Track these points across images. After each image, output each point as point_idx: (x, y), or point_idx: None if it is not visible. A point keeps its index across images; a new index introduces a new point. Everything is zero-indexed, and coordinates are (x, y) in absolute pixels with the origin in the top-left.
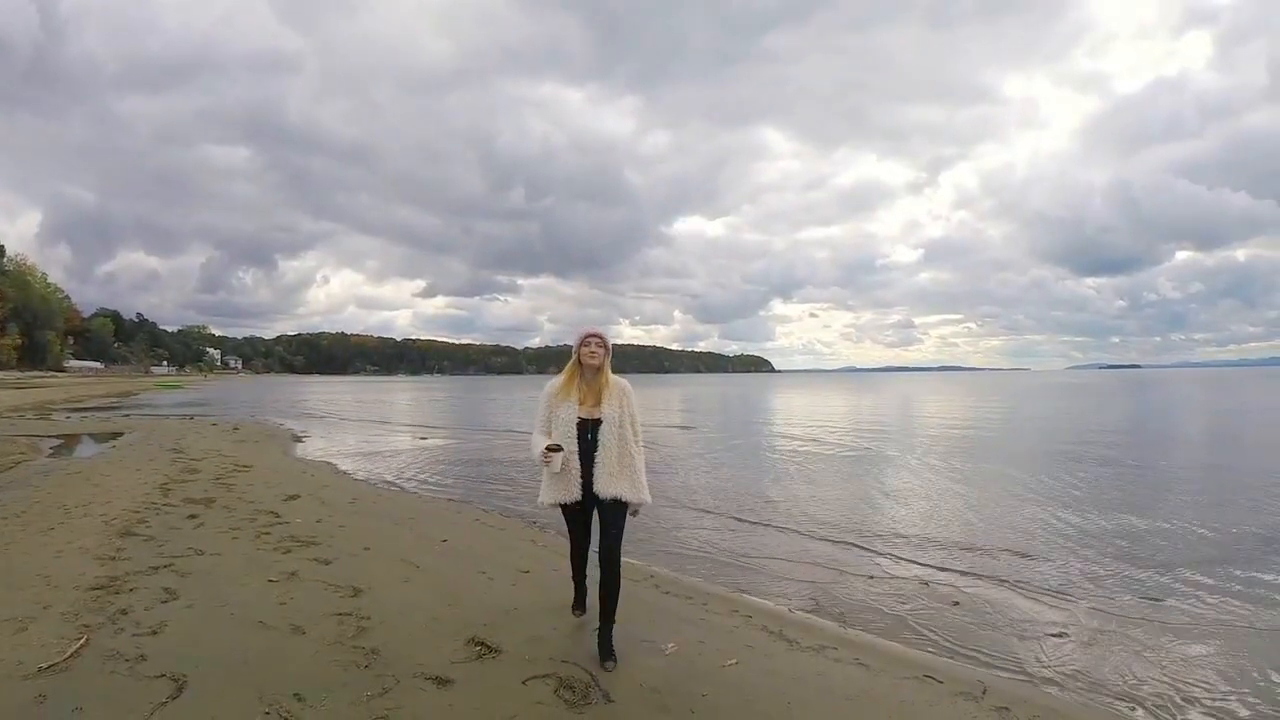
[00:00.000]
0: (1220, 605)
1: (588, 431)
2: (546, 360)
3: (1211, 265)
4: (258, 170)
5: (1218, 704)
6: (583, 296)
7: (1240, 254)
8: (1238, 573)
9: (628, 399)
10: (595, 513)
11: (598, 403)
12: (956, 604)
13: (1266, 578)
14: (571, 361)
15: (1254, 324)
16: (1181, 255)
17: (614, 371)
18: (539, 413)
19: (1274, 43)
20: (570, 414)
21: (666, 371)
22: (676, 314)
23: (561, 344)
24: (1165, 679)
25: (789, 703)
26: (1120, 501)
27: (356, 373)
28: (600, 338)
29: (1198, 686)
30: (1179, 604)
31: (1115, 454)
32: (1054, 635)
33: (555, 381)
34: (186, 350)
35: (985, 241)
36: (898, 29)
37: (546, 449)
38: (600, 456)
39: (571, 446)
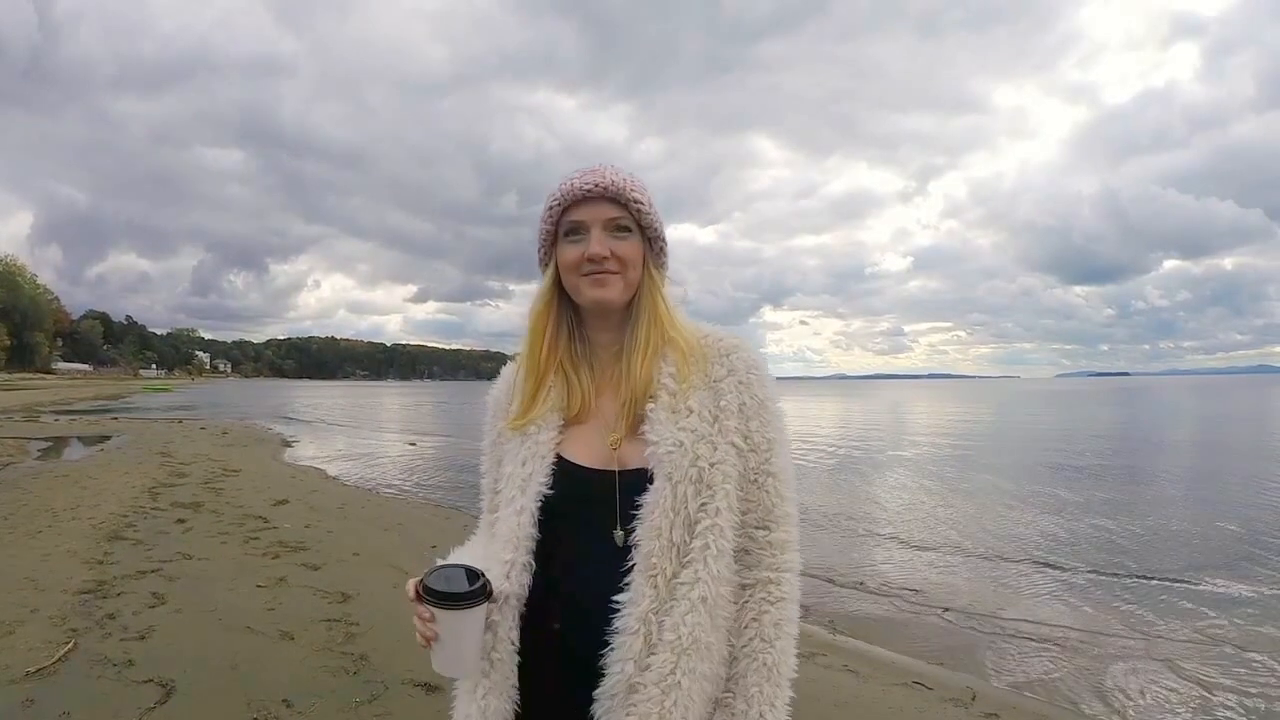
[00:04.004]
0: (1208, 614)
1: (592, 525)
2: None
3: (1199, 274)
4: (251, 173)
5: (1206, 714)
6: None
7: (1228, 263)
8: (1224, 581)
9: (752, 403)
10: None
11: (629, 423)
12: (946, 610)
13: (1251, 588)
14: (544, 289)
15: (1241, 332)
16: (1169, 264)
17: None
18: (484, 458)
19: (1261, 54)
20: (535, 463)
21: None
22: None
23: None
24: (1153, 689)
25: None
26: (1110, 509)
27: (346, 377)
28: (618, 195)
29: (1184, 696)
30: (1168, 613)
31: (1105, 461)
32: (1043, 642)
33: (508, 374)
34: (176, 353)
35: (974, 250)
36: (889, 39)
37: (419, 590)
38: (626, 638)
39: (516, 587)
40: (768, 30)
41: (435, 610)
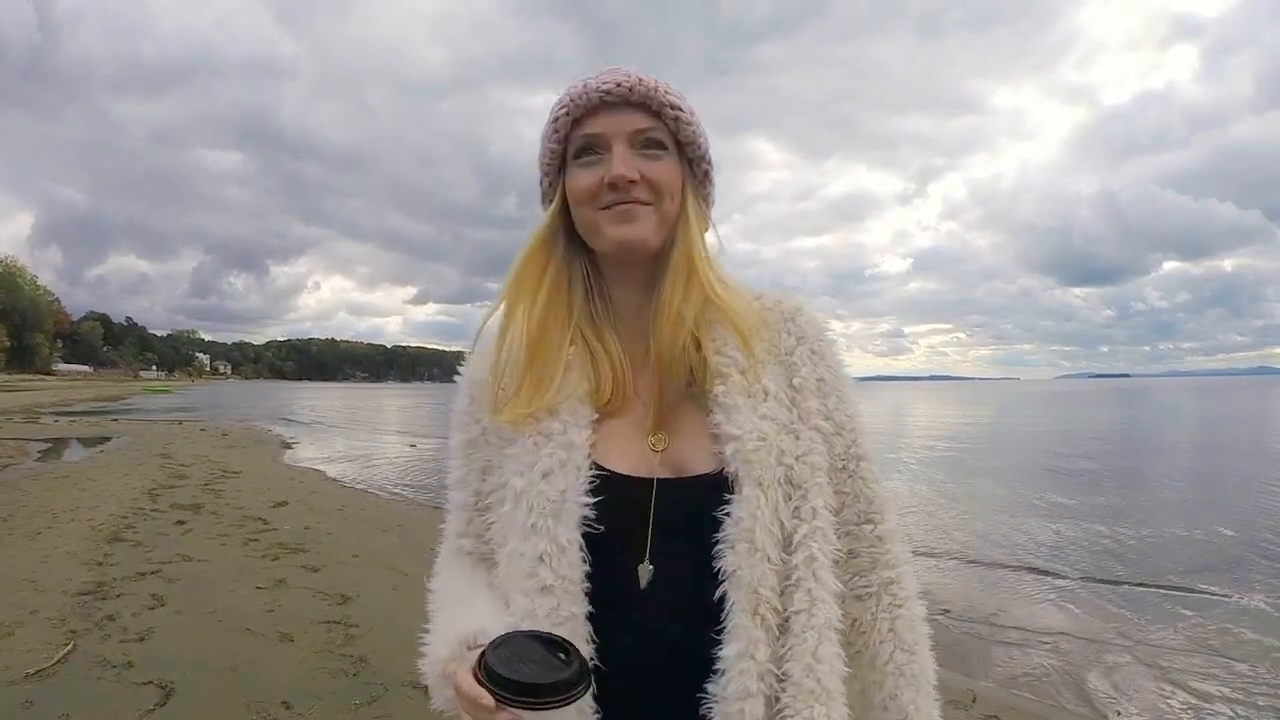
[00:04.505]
0: (1205, 621)
1: (661, 558)
2: None
3: (1199, 275)
4: (250, 174)
5: (1203, 716)
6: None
7: (1227, 264)
8: (1222, 587)
9: (830, 377)
10: None
11: (660, 413)
12: (946, 612)
13: (1248, 594)
14: (545, 230)
15: (1241, 333)
16: (1169, 265)
17: None
18: (455, 463)
19: (1261, 55)
20: (566, 475)
21: None
22: None
23: None
24: (1152, 691)
25: None
26: (1108, 513)
27: (346, 379)
28: (648, 98)
29: (1184, 698)
30: (1165, 619)
31: (1104, 465)
32: (1043, 645)
33: (489, 347)
34: (176, 354)
35: (973, 251)
36: (888, 39)
37: (483, 677)
38: (742, 705)
39: (573, 636)
40: (766, 32)
41: (520, 712)
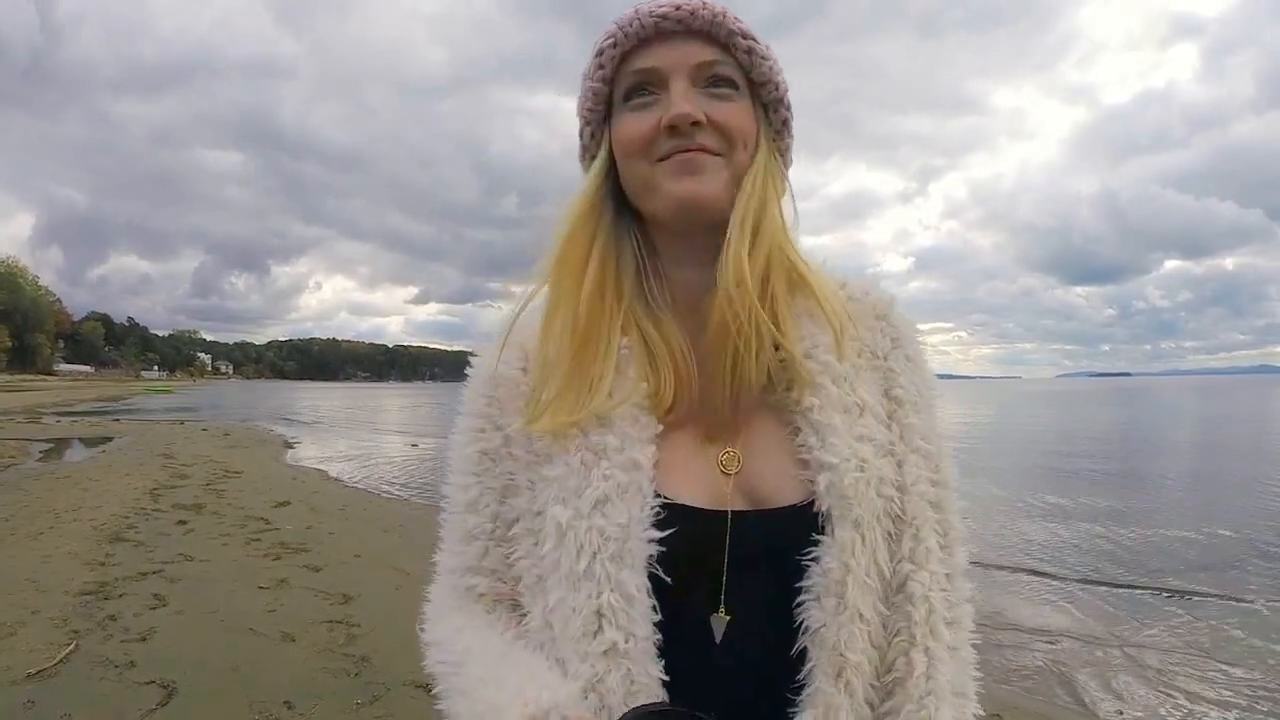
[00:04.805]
0: (1206, 619)
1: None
2: None
3: (1200, 274)
4: (251, 174)
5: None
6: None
7: (1229, 263)
8: (1223, 585)
9: (926, 390)
10: None
11: (732, 424)
12: None
13: (1247, 593)
14: (588, 191)
15: (1243, 332)
16: (1170, 264)
17: None
18: (458, 479)
19: (1261, 54)
20: (626, 504)
21: None
22: None
23: None
24: (1150, 692)
25: None
26: (1107, 514)
27: (348, 379)
28: (713, 25)
29: (1181, 700)
30: (1166, 617)
31: (1103, 465)
32: (1045, 644)
33: (516, 336)
34: (177, 354)
35: (975, 250)
36: (888, 39)
37: None
38: None
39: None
40: (767, 32)
41: None
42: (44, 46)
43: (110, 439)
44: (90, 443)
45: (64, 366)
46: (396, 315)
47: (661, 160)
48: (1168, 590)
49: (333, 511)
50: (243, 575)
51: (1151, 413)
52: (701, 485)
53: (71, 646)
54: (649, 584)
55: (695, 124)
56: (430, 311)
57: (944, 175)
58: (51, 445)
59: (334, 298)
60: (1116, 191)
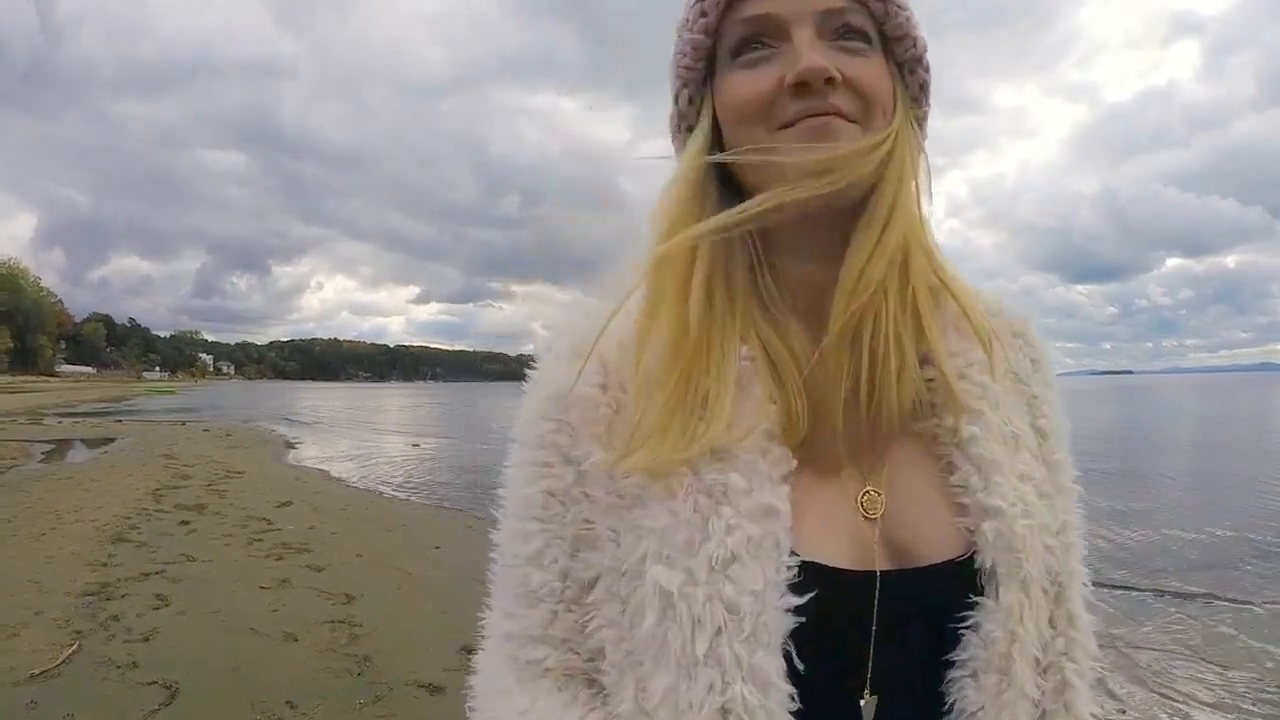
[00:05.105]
0: (1204, 620)
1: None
2: None
3: (1201, 272)
4: (251, 175)
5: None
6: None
7: (1230, 261)
8: (1221, 587)
9: (1064, 420)
10: None
11: (870, 458)
12: None
13: (1246, 594)
14: (689, 168)
15: (1245, 330)
16: (1171, 262)
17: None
18: (513, 526)
19: (1261, 53)
20: (758, 565)
21: None
22: None
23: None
24: (1150, 694)
25: None
26: (1108, 513)
27: (349, 379)
28: None
29: (1178, 703)
30: (1164, 618)
31: (1104, 464)
32: None
33: (620, 349)
34: (179, 355)
35: (976, 249)
36: None
37: None
38: None
39: None
40: None
41: None
42: (44, 47)
43: (112, 440)
44: (92, 444)
45: (65, 367)
46: (398, 315)
47: (784, 128)
48: (1165, 591)
49: (334, 511)
50: (245, 575)
51: (1152, 411)
52: (843, 536)
53: (74, 647)
54: (784, 665)
55: (829, 81)
56: (431, 311)
57: (945, 174)
58: (53, 446)
59: (335, 298)
60: (1117, 190)
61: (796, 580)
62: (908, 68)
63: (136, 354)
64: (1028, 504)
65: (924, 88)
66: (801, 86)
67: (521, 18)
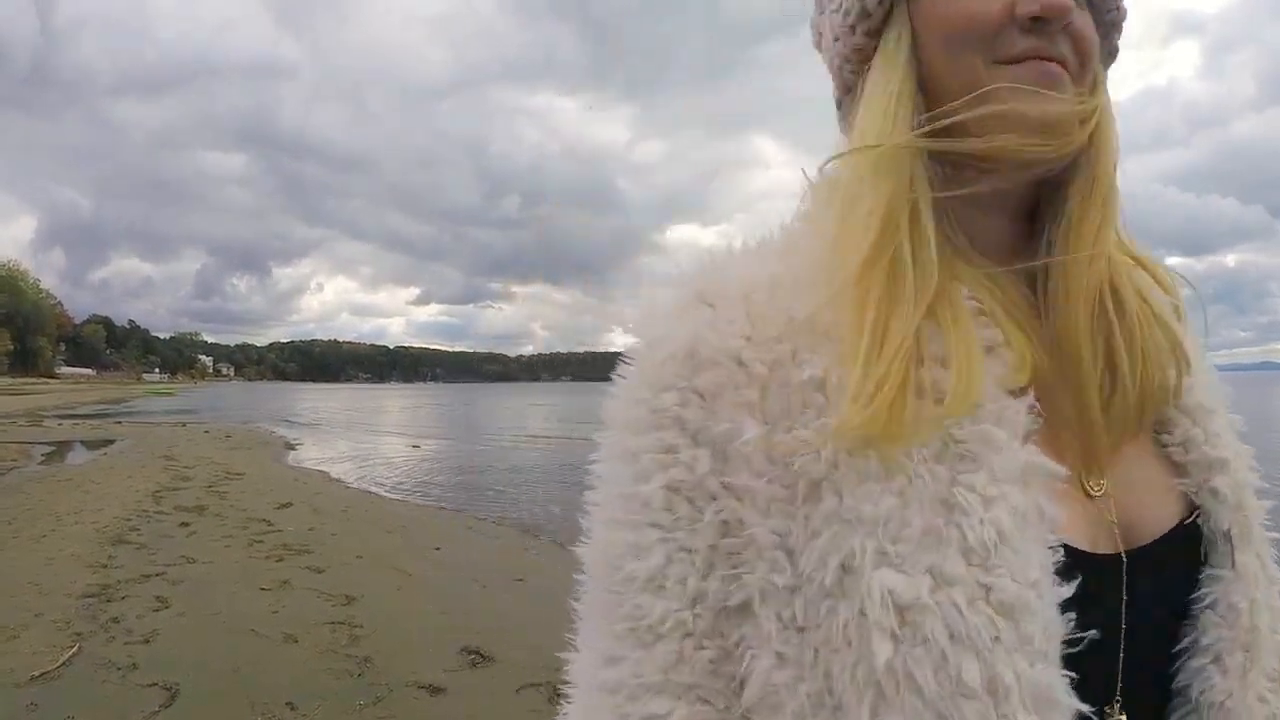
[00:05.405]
0: None
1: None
2: (539, 368)
3: (1201, 271)
4: (252, 176)
5: None
6: (577, 304)
7: (1230, 260)
8: None
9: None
10: None
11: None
12: None
13: None
14: (885, 96)
15: (1245, 329)
16: (1171, 261)
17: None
18: (628, 555)
19: (1261, 53)
20: (1028, 548)
21: None
22: None
23: (556, 351)
24: None
25: None
26: None
27: (349, 380)
28: None
29: None
30: None
31: None
32: None
33: (729, 328)
34: (179, 357)
35: None
36: None
37: None
38: None
39: None
40: (769, 31)
41: None
42: (45, 49)
43: (112, 441)
44: (92, 445)
45: (65, 369)
46: (398, 316)
47: (1007, 64)
48: None
49: (334, 513)
50: (245, 577)
51: None
52: (1079, 511)
53: (74, 649)
54: (1065, 678)
55: (1066, 25)
56: (431, 312)
57: None
58: (53, 448)
59: (336, 299)
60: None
61: (1061, 566)
62: (1108, 31)
63: (136, 356)
64: (1238, 451)
65: (1113, 55)
66: (1038, 21)
67: (521, 18)
